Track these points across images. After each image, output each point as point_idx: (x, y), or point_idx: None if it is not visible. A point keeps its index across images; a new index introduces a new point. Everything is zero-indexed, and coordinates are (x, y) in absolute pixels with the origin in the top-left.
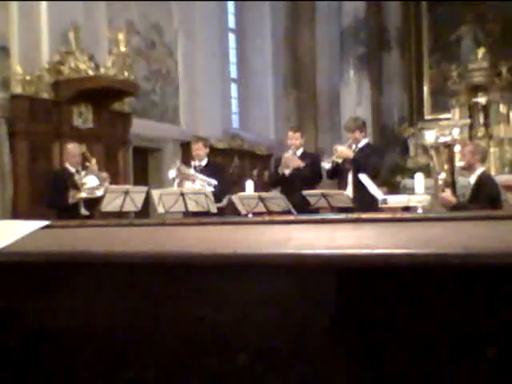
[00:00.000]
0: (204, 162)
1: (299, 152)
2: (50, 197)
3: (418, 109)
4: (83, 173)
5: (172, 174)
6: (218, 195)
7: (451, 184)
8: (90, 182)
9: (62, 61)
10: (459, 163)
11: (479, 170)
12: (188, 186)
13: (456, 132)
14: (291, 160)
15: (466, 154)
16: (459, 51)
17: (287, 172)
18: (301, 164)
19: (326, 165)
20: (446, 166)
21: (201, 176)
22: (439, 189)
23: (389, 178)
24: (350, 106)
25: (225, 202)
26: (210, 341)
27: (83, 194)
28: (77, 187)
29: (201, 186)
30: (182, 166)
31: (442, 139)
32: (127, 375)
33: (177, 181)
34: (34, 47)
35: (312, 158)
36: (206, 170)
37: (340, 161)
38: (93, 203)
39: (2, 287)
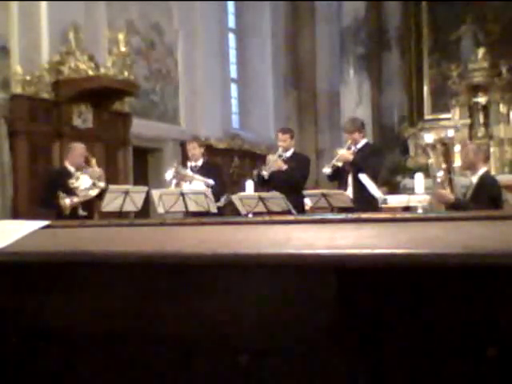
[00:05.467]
0: (200, 162)
1: (289, 153)
2: (43, 197)
3: (418, 109)
4: (77, 173)
5: (169, 175)
6: (215, 195)
7: (449, 182)
8: (83, 184)
9: (62, 61)
10: (458, 163)
11: (482, 170)
12: (185, 186)
13: (451, 132)
14: (273, 162)
15: (468, 154)
16: (459, 51)
17: (265, 174)
18: (283, 167)
19: (327, 170)
20: (443, 165)
21: (198, 176)
22: (437, 186)
23: (389, 178)
24: (350, 106)
25: (222, 201)
26: (210, 341)
27: (68, 201)
28: (70, 191)
29: (199, 186)
30: (180, 167)
31: (438, 137)
32: (127, 375)
33: (174, 182)
34: (34, 47)
35: (300, 160)
36: (202, 170)
37: (340, 164)
38: (90, 203)
39: (2, 287)
